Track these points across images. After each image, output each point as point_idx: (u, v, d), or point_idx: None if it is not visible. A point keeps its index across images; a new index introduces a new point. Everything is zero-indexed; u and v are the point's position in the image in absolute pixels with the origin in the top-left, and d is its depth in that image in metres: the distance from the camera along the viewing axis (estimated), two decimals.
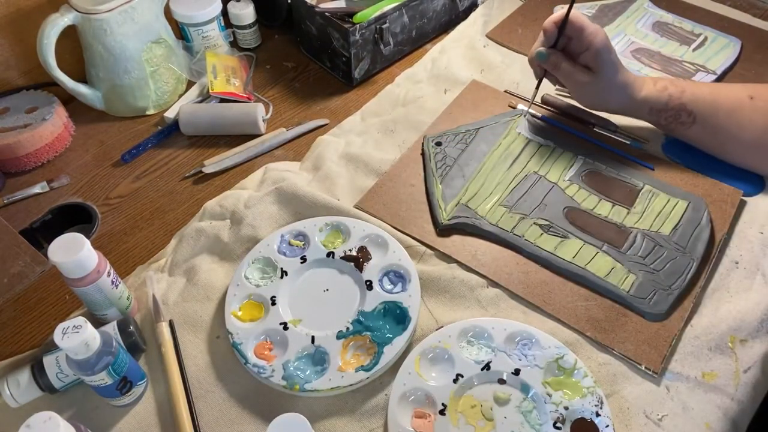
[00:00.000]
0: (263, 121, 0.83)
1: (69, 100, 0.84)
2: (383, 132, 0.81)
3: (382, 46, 0.87)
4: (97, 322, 0.58)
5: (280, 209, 0.71)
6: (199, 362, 0.60)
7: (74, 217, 0.76)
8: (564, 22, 0.67)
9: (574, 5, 0.67)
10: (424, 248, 0.67)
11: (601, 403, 0.54)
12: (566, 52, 0.70)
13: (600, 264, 0.64)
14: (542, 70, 0.72)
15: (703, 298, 0.62)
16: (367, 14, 0.85)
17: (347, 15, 0.86)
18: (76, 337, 0.48)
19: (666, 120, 0.70)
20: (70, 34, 0.77)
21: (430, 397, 0.55)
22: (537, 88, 0.75)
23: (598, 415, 0.53)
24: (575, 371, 0.56)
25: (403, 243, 0.67)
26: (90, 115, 0.85)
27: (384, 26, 0.85)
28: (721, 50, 0.89)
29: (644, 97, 0.69)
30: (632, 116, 0.73)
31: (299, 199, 0.71)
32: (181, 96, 0.88)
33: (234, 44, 0.96)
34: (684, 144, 0.75)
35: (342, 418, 0.56)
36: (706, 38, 0.92)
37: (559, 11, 0.70)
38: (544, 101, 0.83)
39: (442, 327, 0.60)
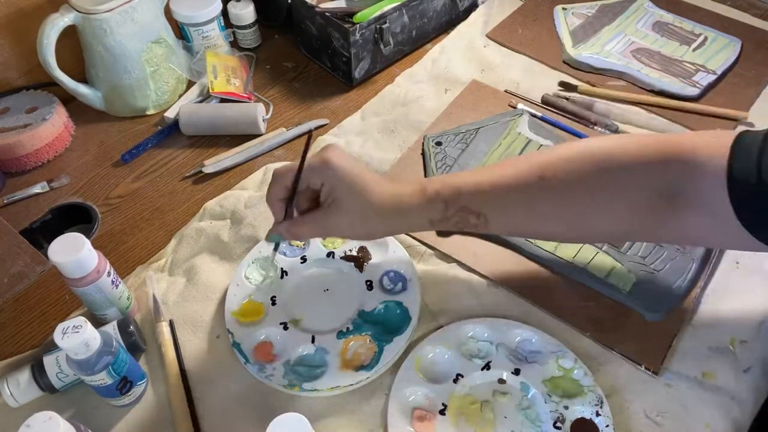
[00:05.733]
0: (263, 121, 0.83)
1: (69, 100, 0.84)
2: (383, 132, 0.81)
3: (382, 46, 0.87)
4: (97, 322, 0.58)
5: None
6: (199, 362, 0.60)
7: (74, 217, 0.76)
8: (297, 179, 0.53)
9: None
10: (424, 248, 0.67)
11: (601, 402, 0.54)
12: (303, 197, 0.56)
13: (600, 264, 0.64)
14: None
15: (703, 298, 0.62)
16: (367, 14, 0.85)
17: (347, 15, 0.86)
18: (76, 337, 0.48)
19: (456, 225, 0.55)
20: (70, 34, 0.77)
21: (430, 397, 0.55)
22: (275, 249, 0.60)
23: (598, 414, 0.53)
24: (575, 371, 0.56)
25: (403, 243, 0.67)
26: (90, 115, 0.85)
27: (384, 26, 0.85)
28: (721, 50, 0.89)
29: (418, 209, 0.54)
30: (416, 231, 0.62)
31: None
32: (181, 96, 0.88)
33: (234, 44, 0.96)
34: None
35: (342, 418, 0.56)
36: (706, 38, 0.92)
37: (280, 169, 0.54)
38: (544, 101, 0.83)
39: (442, 327, 0.60)
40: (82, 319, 0.49)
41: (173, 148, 0.82)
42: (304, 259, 0.66)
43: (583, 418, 0.53)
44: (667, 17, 0.96)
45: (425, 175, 0.74)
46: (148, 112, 0.86)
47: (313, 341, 0.59)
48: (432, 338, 0.59)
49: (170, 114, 0.85)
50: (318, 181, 0.53)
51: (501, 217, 0.55)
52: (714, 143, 0.49)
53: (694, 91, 0.83)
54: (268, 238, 0.57)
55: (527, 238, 0.65)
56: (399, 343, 0.58)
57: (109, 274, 0.58)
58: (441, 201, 0.54)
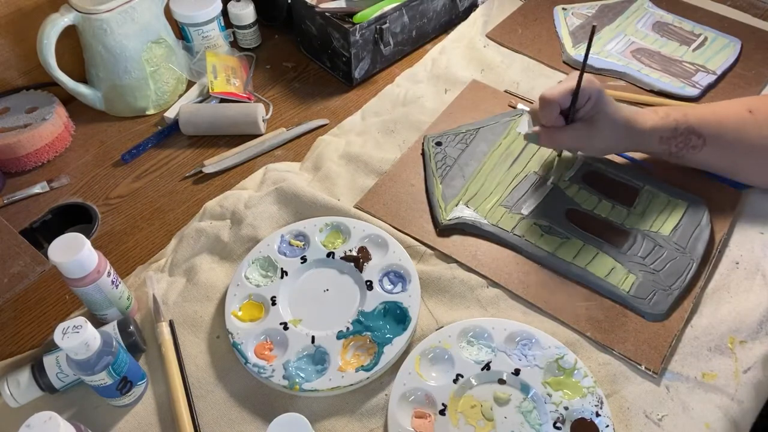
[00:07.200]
0: (263, 121, 0.83)
1: (69, 100, 0.84)
2: (383, 132, 0.81)
3: (382, 46, 0.87)
4: (97, 322, 0.58)
5: (281, 209, 0.71)
6: (199, 362, 0.60)
7: (74, 217, 0.76)
8: (576, 93, 0.62)
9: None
10: (424, 248, 0.67)
11: (601, 403, 0.54)
12: (562, 112, 0.65)
13: (600, 264, 0.64)
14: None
15: (703, 298, 0.62)
16: (367, 14, 0.85)
17: (347, 15, 0.86)
18: (76, 337, 0.48)
19: (677, 146, 0.67)
20: (70, 34, 0.77)
21: (430, 397, 0.55)
22: (559, 155, 0.72)
23: (598, 415, 0.53)
24: (575, 371, 0.56)
25: (403, 243, 0.67)
26: (90, 115, 0.85)
27: (384, 26, 0.85)
28: (721, 50, 0.89)
29: (652, 127, 0.66)
30: (643, 150, 0.71)
31: (299, 199, 0.71)
32: (181, 96, 0.88)
33: (234, 44, 0.96)
34: None
35: (342, 418, 0.56)
36: (706, 38, 0.92)
37: (551, 91, 0.63)
38: None
39: (442, 327, 0.60)
40: (82, 319, 0.49)
41: (173, 148, 0.82)
42: (304, 259, 0.66)
43: (583, 418, 0.53)
44: (667, 17, 0.96)
45: (426, 176, 0.74)
46: (148, 112, 0.86)
47: (313, 341, 0.59)
48: (432, 338, 0.59)
49: (170, 114, 0.85)
50: (586, 96, 0.63)
51: (717, 142, 0.66)
52: None
53: (694, 92, 0.83)
54: (526, 138, 0.67)
55: (732, 173, 0.70)
56: (399, 343, 0.58)
57: (109, 274, 0.58)
58: (672, 120, 0.66)
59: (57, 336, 0.48)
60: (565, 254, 0.65)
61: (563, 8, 0.98)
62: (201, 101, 0.87)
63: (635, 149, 0.70)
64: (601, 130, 0.64)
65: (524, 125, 0.79)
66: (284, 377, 0.56)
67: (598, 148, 0.67)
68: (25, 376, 0.56)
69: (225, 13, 0.92)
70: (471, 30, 0.96)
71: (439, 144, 0.77)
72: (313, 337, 0.59)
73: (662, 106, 0.68)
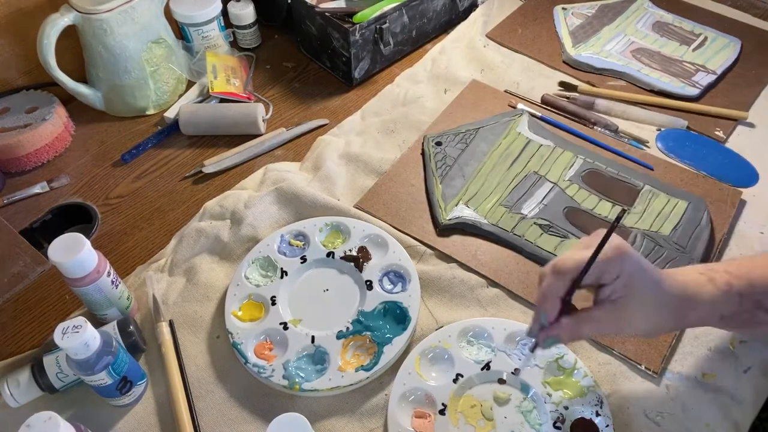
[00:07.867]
0: (263, 121, 0.83)
1: (69, 100, 0.84)
2: (383, 132, 0.81)
3: (382, 46, 0.87)
4: (97, 322, 0.58)
5: (280, 209, 0.71)
6: (199, 362, 0.60)
7: (74, 217, 0.76)
8: (585, 272, 0.46)
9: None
10: (424, 248, 0.67)
11: (601, 402, 0.54)
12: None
13: None
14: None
15: None
16: (367, 14, 0.85)
17: (347, 15, 0.86)
18: (76, 337, 0.48)
19: (738, 323, 0.50)
20: (70, 34, 0.77)
21: (430, 396, 0.55)
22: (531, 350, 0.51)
23: (598, 414, 0.53)
24: (575, 371, 0.56)
25: (403, 243, 0.67)
26: (90, 115, 0.85)
27: (384, 26, 0.85)
28: (721, 50, 0.89)
29: (711, 304, 0.49)
30: (699, 326, 0.55)
31: (299, 199, 0.71)
32: (181, 96, 0.88)
33: (234, 44, 0.96)
34: (677, 138, 0.77)
35: (342, 418, 0.56)
36: (706, 38, 0.92)
37: (567, 261, 0.47)
38: (544, 101, 0.83)
39: (442, 327, 0.60)
40: (82, 319, 0.49)
41: (173, 148, 0.82)
42: (304, 259, 0.66)
43: (583, 418, 0.53)
44: (667, 17, 0.96)
45: (425, 176, 0.74)
46: (148, 112, 0.86)
47: (313, 341, 0.59)
48: (432, 338, 0.59)
49: (170, 114, 0.85)
50: (614, 272, 0.46)
51: None
52: None
53: (694, 91, 0.83)
54: (543, 344, 0.49)
55: None
56: (399, 343, 0.58)
57: (109, 274, 0.58)
58: (736, 294, 0.49)
59: (57, 336, 0.48)
60: None
61: (563, 8, 0.98)
62: (201, 101, 0.87)
63: (693, 326, 0.57)
64: (644, 307, 0.48)
65: (524, 125, 0.79)
66: (284, 377, 0.56)
67: (646, 328, 0.49)
68: (25, 376, 0.56)
69: (225, 13, 0.92)
70: (471, 30, 0.96)
71: (439, 144, 0.77)
72: (313, 337, 0.59)
73: (715, 268, 0.50)
